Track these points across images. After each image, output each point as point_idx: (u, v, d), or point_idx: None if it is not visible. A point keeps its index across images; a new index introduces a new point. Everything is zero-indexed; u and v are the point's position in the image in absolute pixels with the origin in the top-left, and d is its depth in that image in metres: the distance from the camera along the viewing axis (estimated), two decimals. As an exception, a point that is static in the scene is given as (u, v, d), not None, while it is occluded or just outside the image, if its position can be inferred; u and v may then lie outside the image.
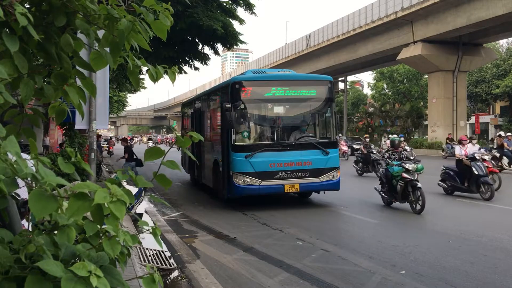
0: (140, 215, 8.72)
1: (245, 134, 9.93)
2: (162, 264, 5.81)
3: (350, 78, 52.24)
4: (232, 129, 9.70)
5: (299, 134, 10.49)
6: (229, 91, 9.91)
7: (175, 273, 5.58)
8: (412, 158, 10.46)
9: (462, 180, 11.48)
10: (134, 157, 13.67)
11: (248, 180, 9.58)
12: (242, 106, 9.66)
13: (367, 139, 21.22)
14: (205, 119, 13.28)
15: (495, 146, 20.00)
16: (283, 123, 10.77)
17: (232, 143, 9.72)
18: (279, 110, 10.67)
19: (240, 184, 9.59)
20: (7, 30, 1.34)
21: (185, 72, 18.24)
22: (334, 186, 10.14)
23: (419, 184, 9.13)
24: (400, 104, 48.41)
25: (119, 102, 44.79)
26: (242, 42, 15.20)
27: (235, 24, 15.18)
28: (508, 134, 19.74)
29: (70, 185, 1.39)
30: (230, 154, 9.75)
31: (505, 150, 18.44)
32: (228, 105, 9.54)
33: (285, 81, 10.53)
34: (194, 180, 15.14)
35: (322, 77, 11.34)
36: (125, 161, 13.72)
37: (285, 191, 9.73)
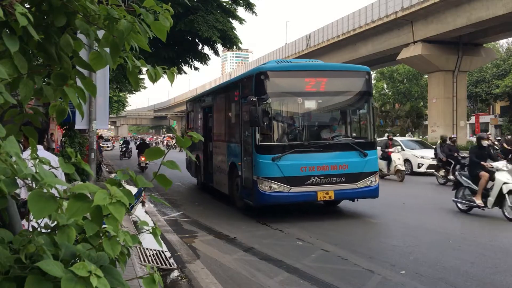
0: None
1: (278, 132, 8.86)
2: (162, 264, 5.81)
3: (350, 78, 52.13)
4: (257, 127, 8.41)
5: (333, 133, 9.29)
6: (252, 83, 8.70)
7: (175, 273, 5.58)
8: None
9: None
10: None
11: (276, 186, 8.31)
12: (268, 101, 8.45)
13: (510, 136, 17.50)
14: (218, 117, 11.90)
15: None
16: (315, 120, 9.54)
17: (257, 143, 8.45)
18: (310, 105, 9.26)
19: (266, 191, 8.32)
20: (7, 30, 1.34)
21: (185, 72, 18.28)
22: (373, 193, 8.91)
23: None
24: (400, 104, 48.47)
25: (119, 102, 44.84)
26: (240, 42, 15.22)
27: (235, 23, 15.27)
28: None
29: (70, 186, 1.39)
30: (254, 156, 8.51)
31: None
32: (254, 99, 8.19)
33: (317, 71, 9.23)
34: (202, 184, 13.77)
35: (359, 67, 9.86)
36: None
37: (318, 199, 8.52)
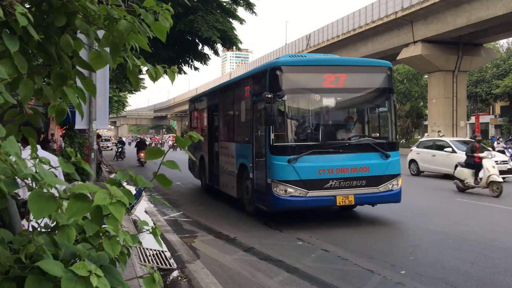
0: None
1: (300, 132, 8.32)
2: (162, 264, 5.81)
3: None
4: (271, 126, 7.86)
5: (352, 132, 8.76)
6: (267, 79, 8.16)
7: (175, 273, 5.58)
8: None
9: None
10: None
11: (292, 190, 7.76)
12: (284, 98, 7.85)
13: None
14: (225, 116, 11.31)
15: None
16: (334, 119, 8.95)
17: (271, 143, 7.90)
18: (329, 102, 8.72)
19: (281, 195, 7.77)
20: (7, 30, 1.34)
21: (185, 72, 18.31)
22: (395, 197, 8.36)
23: None
24: (400, 104, 48.42)
25: (119, 102, 44.87)
26: (240, 42, 15.22)
27: (235, 23, 15.28)
28: None
29: (70, 186, 1.39)
30: (268, 157, 7.98)
31: None
32: (269, 96, 7.63)
33: (336, 66, 8.63)
34: (206, 186, 13.28)
35: (380, 62, 9.13)
36: None
37: (337, 204, 8.00)
